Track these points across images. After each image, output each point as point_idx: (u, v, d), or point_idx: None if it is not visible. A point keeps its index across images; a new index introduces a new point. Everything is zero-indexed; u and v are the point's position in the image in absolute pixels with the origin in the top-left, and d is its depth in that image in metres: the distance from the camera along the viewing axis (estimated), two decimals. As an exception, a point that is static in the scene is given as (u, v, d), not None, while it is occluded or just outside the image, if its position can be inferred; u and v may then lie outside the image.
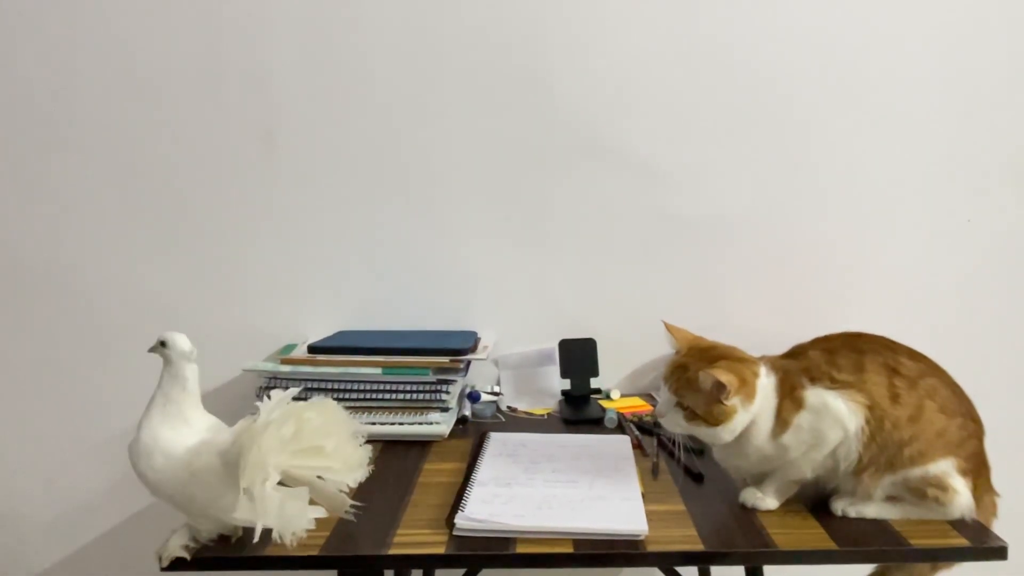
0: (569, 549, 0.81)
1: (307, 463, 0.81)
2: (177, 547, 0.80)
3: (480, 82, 1.33)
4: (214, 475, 0.77)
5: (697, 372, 0.85)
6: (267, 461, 0.75)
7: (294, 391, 0.83)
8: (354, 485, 0.83)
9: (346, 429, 0.85)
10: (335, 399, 1.14)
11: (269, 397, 0.80)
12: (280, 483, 0.78)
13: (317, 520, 0.80)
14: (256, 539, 0.75)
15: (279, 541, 0.77)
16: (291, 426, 0.78)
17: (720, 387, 0.83)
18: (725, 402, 0.84)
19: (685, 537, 0.83)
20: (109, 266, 1.36)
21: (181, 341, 0.85)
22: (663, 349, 0.98)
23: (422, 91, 1.33)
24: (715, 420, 0.85)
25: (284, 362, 1.18)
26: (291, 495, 0.77)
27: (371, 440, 1.11)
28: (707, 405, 0.85)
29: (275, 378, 1.17)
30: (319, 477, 0.82)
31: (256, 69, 1.32)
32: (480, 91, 1.33)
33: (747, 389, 0.85)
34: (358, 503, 0.85)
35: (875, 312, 1.38)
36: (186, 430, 0.83)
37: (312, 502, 0.80)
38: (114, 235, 1.36)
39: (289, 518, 0.76)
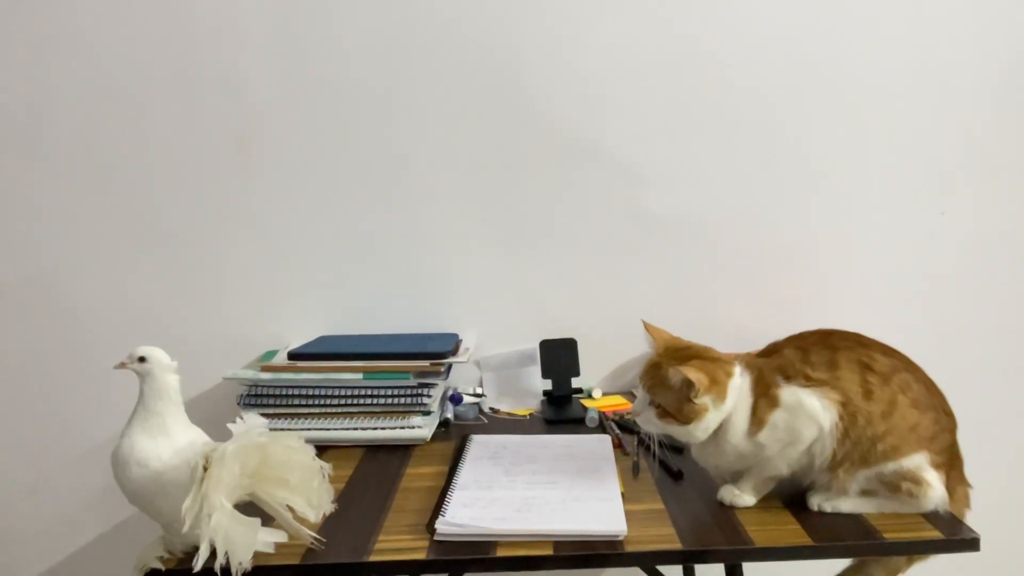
0: (549, 551, 0.81)
1: (272, 491, 0.81)
2: (151, 557, 0.80)
3: (456, 82, 1.33)
4: (182, 490, 0.77)
5: (668, 370, 0.85)
6: (218, 489, 0.75)
7: (264, 422, 0.83)
8: (315, 521, 0.84)
9: (310, 467, 0.85)
10: (317, 405, 1.16)
11: (241, 419, 0.80)
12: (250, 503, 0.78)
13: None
14: (198, 567, 0.73)
15: (224, 567, 0.75)
16: (255, 457, 0.79)
17: (689, 385, 0.84)
18: (695, 400, 0.84)
19: (664, 536, 0.84)
20: (88, 275, 1.35)
21: (161, 355, 0.85)
22: (645, 347, 0.98)
23: (398, 92, 1.33)
24: (685, 418, 0.86)
25: (265, 369, 1.17)
26: (239, 523, 0.76)
27: (353, 445, 1.14)
28: (678, 403, 0.85)
29: (256, 385, 1.17)
30: (289, 507, 0.82)
31: (231, 73, 1.31)
32: (457, 91, 1.33)
33: (718, 388, 0.85)
34: (322, 538, 0.84)
35: (852, 308, 1.39)
36: (165, 441, 0.82)
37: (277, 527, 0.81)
38: (92, 244, 1.34)
39: (235, 546, 0.75)
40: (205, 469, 0.76)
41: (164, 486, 0.79)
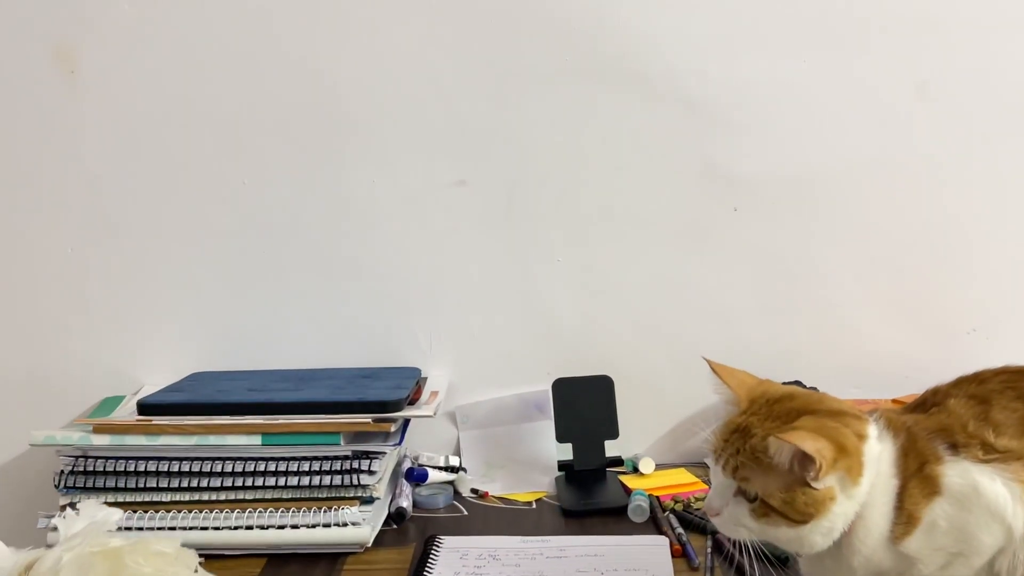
0: None
1: None
2: None
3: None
4: None
5: (766, 438, 0.84)
6: None
7: (115, 517, 0.83)
8: None
9: None
10: (188, 488, 1.15)
11: (74, 510, 0.80)
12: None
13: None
14: None
15: None
16: (103, 569, 0.79)
17: (806, 461, 0.82)
18: (815, 485, 0.83)
19: None
20: None
21: None
22: (719, 390, 0.98)
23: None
24: (800, 515, 0.84)
25: (98, 430, 1.16)
26: None
27: (249, 553, 1.13)
28: (787, 493, 0.84)
29: (85, 457, 1.15)
30: None
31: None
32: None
33: (850, 462, 0.84)
34: None
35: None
36: None
37: None
38: None
39: None
40: None
41: None
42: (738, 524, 0.88)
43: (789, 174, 1.38)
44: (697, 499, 1.24)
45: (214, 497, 1.15)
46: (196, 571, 0.87)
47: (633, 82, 1.35)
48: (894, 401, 1.33)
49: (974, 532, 0.84)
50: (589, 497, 1.27)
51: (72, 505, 0.81)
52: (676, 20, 1.34)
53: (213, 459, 1.16)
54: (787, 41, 1.35)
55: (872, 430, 0.88)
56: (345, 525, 1.14)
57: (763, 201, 1.38)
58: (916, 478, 0.85)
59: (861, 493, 0.85)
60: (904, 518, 0.85)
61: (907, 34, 1.35)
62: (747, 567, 0.92)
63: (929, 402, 0.93)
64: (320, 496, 1.16)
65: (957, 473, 0.85)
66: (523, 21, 1.33)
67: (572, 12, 1.33)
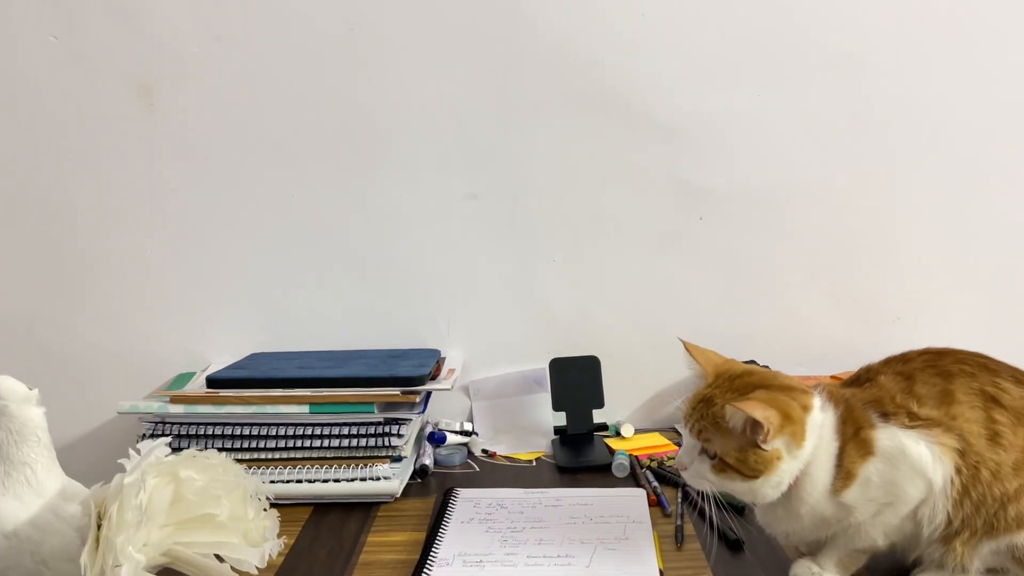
0: (562, 652, 0.80)
1: (195, 538, 0.81)
2: None
3: (437, 11, 1.31)
4: (70, 560, 0.77)
5: (724, 407, 0.84)
6: (124, 539, 0.75)
7: (164, 441, 0.84)
8: (262, 565, 0.84)
9: (241, 490, 0.86)
10: (247, 448, 1.15)
11: (137, 451, 0.80)
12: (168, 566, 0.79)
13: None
14: None
15: None
16: (164, 490, 0.79)
17: (756, 426, 0.83)
18: (764, 447, 0.83)
19: (718, 630, 0.83)
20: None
21: (11, 385, 0.84)
22: (691, 367, 0.98)
23: (358, 25, 1.31)
24: (752, 471, 0.84)
25: (175, 400, 1.17)
26: None
27: (297, 503, 1.13)
28: (740, 452, 0.84)
29: (163, 423, 1.16)
30: (216, 556, 0.83)
31: (132, 6, 1.30)
32: (438, 24, 1.32)
33: (794, 428, 0.84)
34: None
35: (973, 319, 1.38)
36: (35, 500, 0.82)
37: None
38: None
39: None
40: (100, 516, 0.77)
41: (47, 560, 0.79)
42: (702, 478, 0.89)
43: (746, 188, 1.37)
44: (669, 458, 1.25)
45: (269, 456, 1.16)
46: (244, 475, 0.88)
47: (616, 112, 1.35)
48: (832, 377, 1.33)
49: (901, 486, 0.85)
50: (580, 456, 1.28)
51: (135, 449, 0.82)
52: (652, 62, 1.33)
53: (269, 425, 1.16)
54: (743, 79, 1.34)
55: (816, 402, 0.88)
56: (378, 479, 1.15)
57: (724, 211, 1.38)
58: (853, 441, 0.86)
59: (805, 454, 0.86)
60: (843, 474, 0.86)
61: (841, 73, 1.34)
62: (709, 512, 0.92)
63: (863, 378, 0.93)
64: (357, 455, 1.17)
65: (887, 437, 0.85)
66: (525, 63, 1.33)
67: (566, 55, 1.33)
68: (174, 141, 1.34)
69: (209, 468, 0.85)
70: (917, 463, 0.84)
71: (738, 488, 0.87)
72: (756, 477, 0.85)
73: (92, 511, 0.77)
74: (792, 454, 0.85)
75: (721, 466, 0.86)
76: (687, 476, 0.90)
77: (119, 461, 0.79)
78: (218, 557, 0.85)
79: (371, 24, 1.31)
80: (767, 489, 0.86)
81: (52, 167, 1.33)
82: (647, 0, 1.31)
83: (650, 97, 1.34)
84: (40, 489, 0.83)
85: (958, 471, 0.84)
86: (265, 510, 0.90)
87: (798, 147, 1.36)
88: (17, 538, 0.80)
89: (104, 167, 1.34)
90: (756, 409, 0.82)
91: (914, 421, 0.85)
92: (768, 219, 1.38)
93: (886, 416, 0.86)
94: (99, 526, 0.77)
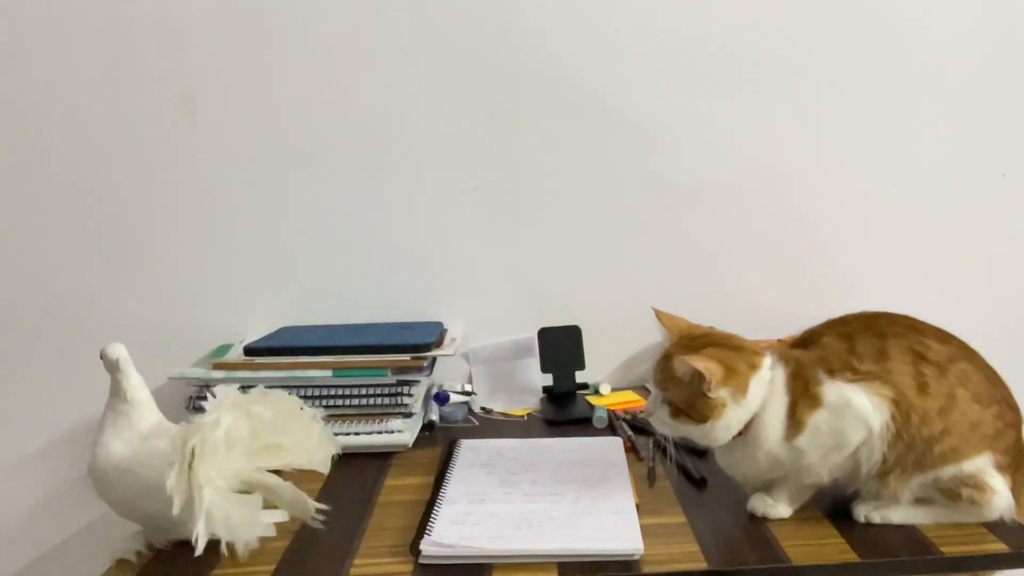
0: (554, 574, 0.80)
1: (265, 463, 0.85)
2: (128, 550, 0.85)
3: (440, 28, 1.30)
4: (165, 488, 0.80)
5: (676, 361, 0.85)
6: (207, 468, 0.78)
7: (236, 387, 0.87)
8: (325, 472, 0.89)
9: (302, 418, 0.90)
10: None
11: (214, 395, 0.84)
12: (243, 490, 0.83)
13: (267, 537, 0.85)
14: (199, 551, 0.77)
15: (226, 554, 0.80)
16: (241, 426, 0.82)
17: (699, 377, 0.83)
18: (709, 395, 0.83)
19: (686, 554, 0.83)
20: (10, 262, 1.34)
21: (109, 350, 0.88)
22: (659, 334, 0.98)
23: (368, 40, 1.30)
24: (700, 416, 0.85)
25: (217, 367, 1.17)
26: (238, 503, 0.81)
27: None
28: (690, 399, 0.85)
29: (207, 386, 1.15)
30: (279, 475, 0.87)
31: (170, 17, 1.28)
32: (440, 38, 1.31)
33: (737, 380, 0.84)
34: (324, 506, 0.91)
35: (902, 287, 1.39)
36: (138, 442, 0.86)
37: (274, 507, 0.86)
38: (21, 234, 1.33)
39: (236, 527, 0.80)
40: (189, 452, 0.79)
41: (149, 489, 0.82)
42: (662, 423, 0.90)
43: (708, 180, 1.37)
44: (641, 412, 1.24)
45: (299, 413, 1.16)
46: (302, 408, 0.91)
47: (595, 115, 1.34)
48: (779, 341, 1.32)
49: (846, 431, 0.85)
50: (565, 411, 1.28)
51: (211, 392, 0.85)
52: (626, 72, 1.33)
53: (298, 387, 1.16)
54: (704, 86, 1.34)
55: (767, 361, 0.89)
56: (392, 432, 1.15)
57: (688, 200, 1.38)
58: (802, 395, 0.87)
59: (750, 403, 0.86)
60: (795, 424, 0.86)
61: (787, 80, 1.34)
62: (669, 452, 0.93)
63: (808, 339, 0.93)
64: (374, 412, 1.17)
65: (833, 391, 0.86)
66: (515, 77, 1.32)
67: (550, 69, 1.32)
68: (213, 146, 1.33)
69: (276, 403, 0.88)
70: (859, 412, 0.85)
71: (693, 432, 0.88)
72: (704, 421, 0.85)
73: (178, 446, 0.79)
74: (736, 402, 0.85)
75: (676, 411, 0.87)
76: (653, 421, 0.91)
77: (202, 403, 0.83)
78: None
79: (388, 48, 1.31)
80: (717, 432, 0.86)
81: (106, 171, 1.32)
82: (620, 17, 1.31)
83: (624, 102, 1.34)
84: (141, 433, 0.87)
85: (893, 417, 0.85)
86: (322, 431, 0.93)
87: (754, 145, 1.36)
88: (128, 472, 0.85)
89: (151, 169, 1.33)
90: (699, 361, 0.83)
91: (856, 376, 0.86)
92: (728, 207, 1.38)
93: (832, 372, 0.87)
94: (190, 459, 0.79)
